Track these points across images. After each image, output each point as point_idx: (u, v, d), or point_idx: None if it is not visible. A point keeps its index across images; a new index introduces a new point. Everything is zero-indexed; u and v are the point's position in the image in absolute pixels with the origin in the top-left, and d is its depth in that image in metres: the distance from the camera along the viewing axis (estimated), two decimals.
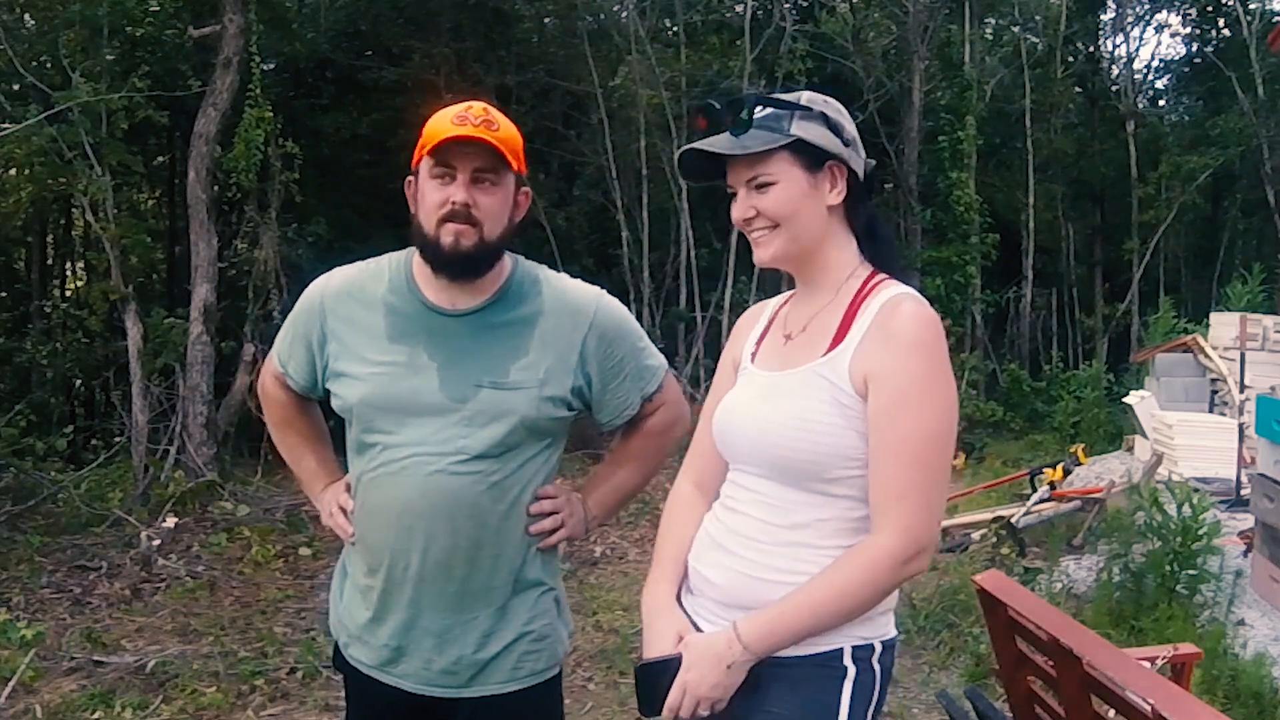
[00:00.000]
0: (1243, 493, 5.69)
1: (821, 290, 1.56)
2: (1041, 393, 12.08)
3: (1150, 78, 18.01)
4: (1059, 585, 4.81)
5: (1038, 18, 15.96)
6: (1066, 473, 6.91)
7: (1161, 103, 18.48)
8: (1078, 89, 16.56)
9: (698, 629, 1.55)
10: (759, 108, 1.51)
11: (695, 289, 11.78)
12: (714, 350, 11.37)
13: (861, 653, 1.48)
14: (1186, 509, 4.28)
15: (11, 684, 3.70)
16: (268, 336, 7.95)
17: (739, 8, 12.79)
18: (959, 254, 12.42)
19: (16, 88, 7.62)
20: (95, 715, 3.61)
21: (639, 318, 1.94)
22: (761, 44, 11.80)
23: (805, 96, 1.54)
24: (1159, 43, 30.64)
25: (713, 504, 1.64)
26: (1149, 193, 14.50)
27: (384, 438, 1.69)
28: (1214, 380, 7.74)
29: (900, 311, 1.45)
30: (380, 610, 1.73)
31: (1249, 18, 14.13)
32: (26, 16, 8.14)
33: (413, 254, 1.75)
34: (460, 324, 1.71)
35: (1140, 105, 16.31)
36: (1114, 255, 15.46)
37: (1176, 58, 18.08)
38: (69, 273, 12.52)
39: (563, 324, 1.73)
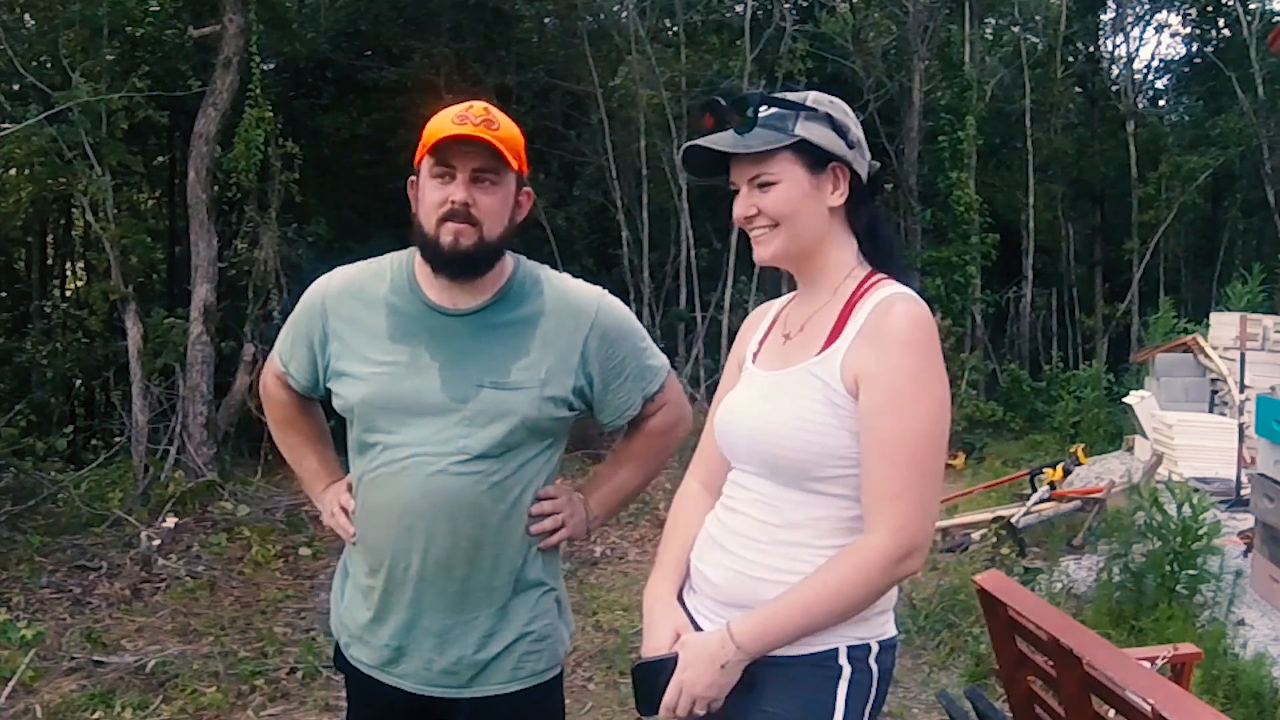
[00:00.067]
0: (1243, 493, 5.69)
1: (820, 290, 1.57)
2: (1041, 393, 12.09)
3: (1150, 78, 18.06)
4: (1059, 585, 4.81)
5: (1038, 18, 15.96)
6: (1066, 473, 6.92)
7: (1161, 103, 18.51)
8: (1078, 89, 16.56)
9: (698, 627, 1.56)
10: (764, 107, 1.51)
11: (695, 289, 11.79)
12: (714, 350, 11.37)
13: (857, 652, 1.48)
14: (1186, 509, 4.28)
15: (11, 684, 3.70)
16: (268, 336, 7.97)
17: (739, 8, 12.79)
18: (959, 254, 12.43)
19: (16, 88, 7.62)
20: (95, 715, 3.61)
21: (639, 318, 1.93)
22: (761, 44, 11.80)
23: (811, 97, 1.54)
24: (1159, 43, 30.73)
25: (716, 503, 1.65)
26: (1149, 193, 14.51)
27: (385, 437, 1.69)
28: (1214, 380, 7.74)
29: (892, 311, 1.45)
30: (381, 610, 1.73)
31: (1249, 18, 14.14)
32: (26, 16, 8.14)
33: (414, 254, 1.75)
34: (462, 324, 1.71)
35: (1140, 105, 16.31)
36: (1114, 255, 15.47)
37: (1176, 58, 18.12)
38: (69, 273, 12.52)
39: (564, 324, 1.73)
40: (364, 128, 11.02)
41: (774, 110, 1.51)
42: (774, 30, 11.84)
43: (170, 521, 6.00)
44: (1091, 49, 16.77)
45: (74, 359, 8.95)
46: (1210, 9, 15.74)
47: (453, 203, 1.64)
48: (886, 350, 1.42)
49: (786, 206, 1.51)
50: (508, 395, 1.67)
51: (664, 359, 1.87)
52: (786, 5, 12.25)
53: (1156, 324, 9.68)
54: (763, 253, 1.55)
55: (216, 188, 8.03)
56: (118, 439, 7.62)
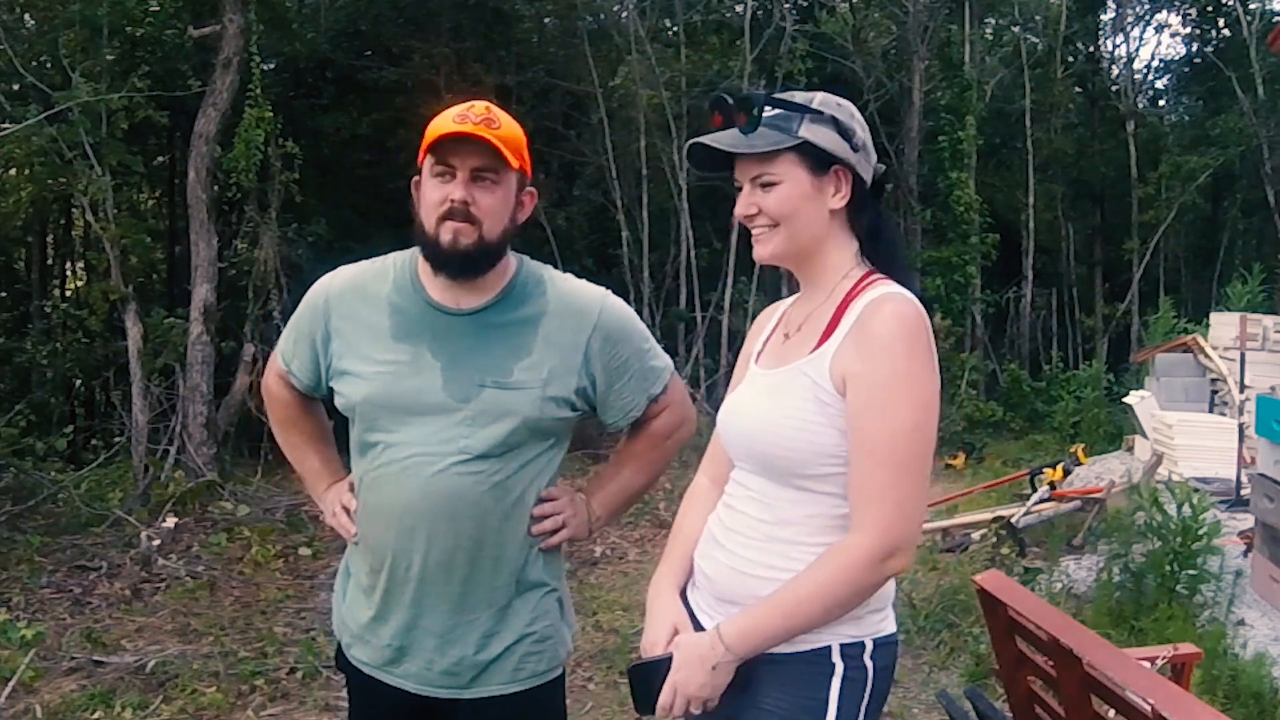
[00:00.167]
0: (1243, 493, 5.69)
1: (818, 290, 1.58)
2: (1041, 393, 12.09)
3: (1150, 78, 18.06)
4: (1059, 585, 4.81)
5: (1038, 18, 15.96)
6: (1066, 473, 6.92)
7: (1161, 103, 18.51)
8: (1078, 89, 16.57)
9: (698, 623, 1.57)
10: (768, 108, 1.51)
11: (695, 289, 11.78)
12: (714, 350, 11.37)
13: (851, 650, 1.49)
14: (1186, 509, 4.28)
15: (11, 684, 3.70)
16: (268, 336, 7.97)
17: (739, 8, 12.79)
18: (959, 254, 12.43)
19: (16, 88, 7.62)
20: (95, 715, 3.61)
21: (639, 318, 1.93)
22: (761, 44, 11.80)
23: (818, 99, 1.54)
24: (1159, 43, 30.72)
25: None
26: (1149, 193, 14.51)
27: (386, 437, 1.69)
28: (1214, 380, 7.74)
29: (880, 311, 1.45)
30: (382, 610, 1.73)
31: (1249, 18, 14.14)
32: (26, 16, 8.15)
33: (417, 253, 1.75)
34: (464, 323, 1.71)
35: (1140, 105, 16.32)
36: (1114, 255, 15.47)
37: (1176, 58, 18.12)
38: (69, 273, 12.52)
39: (567, 324, 1.73)
40: (364, 128, 11.02)
41: (778, 111, 1.52)
42: (774, 30, 11.83)
43: (170, 521, 6.01)
44: (1091, 49, 16.77)
45: (74, 359, 8.95)
46: (1210, 9, 15.75)
47: (452, 201, 1.64)
48: (872, 350, 1.43)
49: (787, 207, 1.52)
50: (509, 395, 1.67)
51: (667, 360, 1.87)
52: (786, 5, 12.25)
53: (1156, 324, 9.68)
54: (762, 251, 1.56)
55: (216, 188, 8.04)
56: (118, 439, 7.62)
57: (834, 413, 1.46)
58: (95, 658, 4.10)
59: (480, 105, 1.67)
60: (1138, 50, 20.89)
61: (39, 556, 5.43)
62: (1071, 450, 7.90)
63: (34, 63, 7.74)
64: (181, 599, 4.99)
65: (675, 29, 12.62)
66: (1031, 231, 14.56)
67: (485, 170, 1.65)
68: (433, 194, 1.66)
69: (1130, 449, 7.78)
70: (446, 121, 1.64)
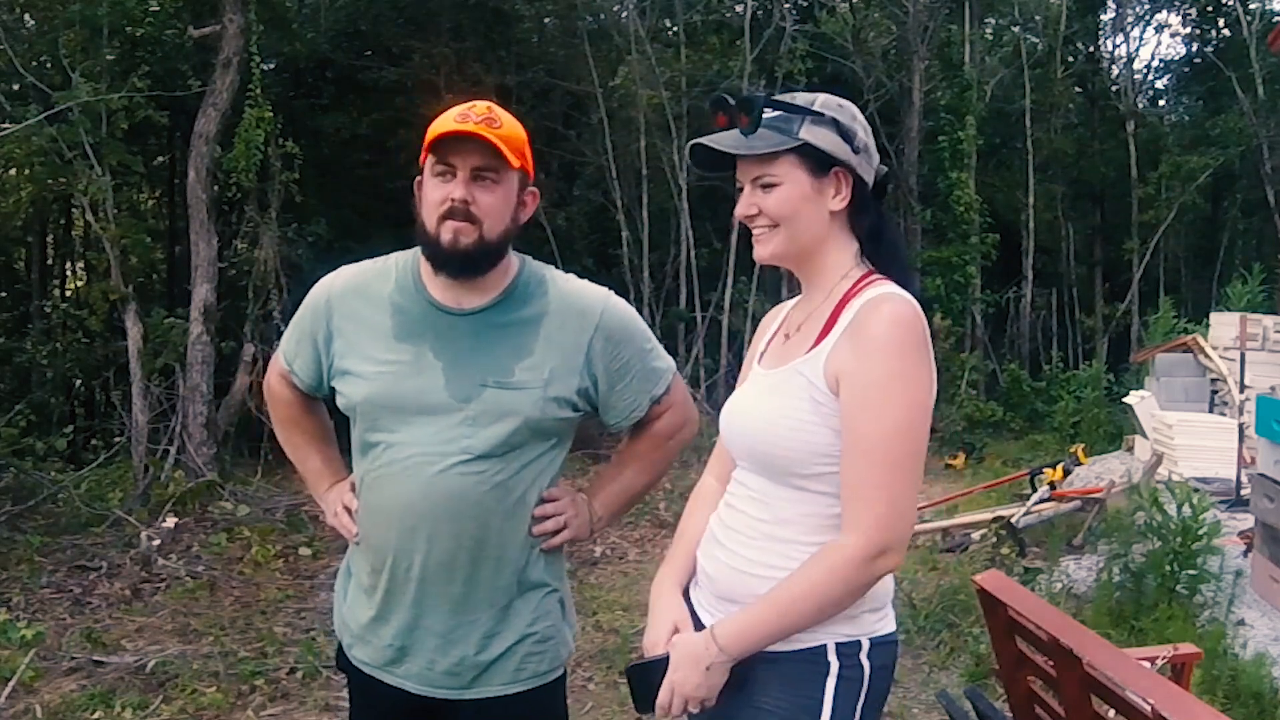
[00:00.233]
0: (1243, 493, 5.69)
1: (818, 291, 1.58)
2: (1041, 393, 12.08)
3: (1150, 78, 18.05)
4: (1059, 585, 4.81)
5: (1038, 18, 15.96)
6: (1066, 473, 6.92)
7: (1161, 103, 18.51)
8: (1078, 89, 16.56)
9: (700, 620, 1.59)
10: (769, 109, 1.52)
11: (695, 289, 11.78)
12: (714, 350, 11.37)
13: (846, 649, 1.49)
14: (1186, 509, 4.28)
15: (11, 684, 3.70)
16: (268, 336, 7.97)
17: (739, 8, 12.79)
18: (959, 254, 12.43)
19: (16, 88, 7.62)
20: (95, 715, 3.61)
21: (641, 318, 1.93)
22: (761, 44, 11.80)
23: (820, 100, 1.54)
24: (1159, 43, 30.72)
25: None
26: (1149, 193, 14.51)
27: (387, 436, 1.69)
28: (1214, 380, 7.74)
29: (875, 311, 1.46)
30: (383, 610, 1.73)
31: (1249, 18, 14.14)
32: (26, 16, 8.15)
33: (420, 253, 1.75)
34: (466, 323, 1.71)
35: (1140, 105, 16.31)
36: (1114, 255, 15.46)
37: (1176, 58, 18.12)
38: (69, 273, 12.52)
39: (569, 324, 1.73)
40: (364, 128, 11.02)
41: (779, 113, 1.52)
42: (774, 30, 11.83)
43: (170, 521, 6.01)
44: (1091, 49, 16.77)
45: (74, 359, 8.95)
46: (1210, 9, 15.75)
47: (452, 200, 1.64)
48: (865, 349, 1.44)
49: (786, 208, 1.52)
50: (511, 395, 1.67)
51: (670, 361, 1.86)
52: (786, 5, 12.25)
53: (1156, 324, 9.68)
54: (762, 251, 1.57)
55: (216, 188, 8.04)
56: (118, 439, 7.62)
57: (828, 412, 1.47)
58: (95, 658, 4.10)
59: (482, 105, 1.67)
60: (1138, 50, 20.92)
61: (39, 556, 5.43)
62: (1071, 450, 7.90)
63: (34, 63, 7.74)
64: (181, 599, 4.99)
65: (675, 29, 12.62)
66: (1031, 231, 14.56)
67: (486, 170, 1.65)
68: (433, 193, 1.66)
69: (1130, 449, 7.78)
70: (448, 121, 1.64)
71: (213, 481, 6.87)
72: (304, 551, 5.82)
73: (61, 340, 9.12)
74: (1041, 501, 6.30)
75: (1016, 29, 15.78)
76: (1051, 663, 2.07)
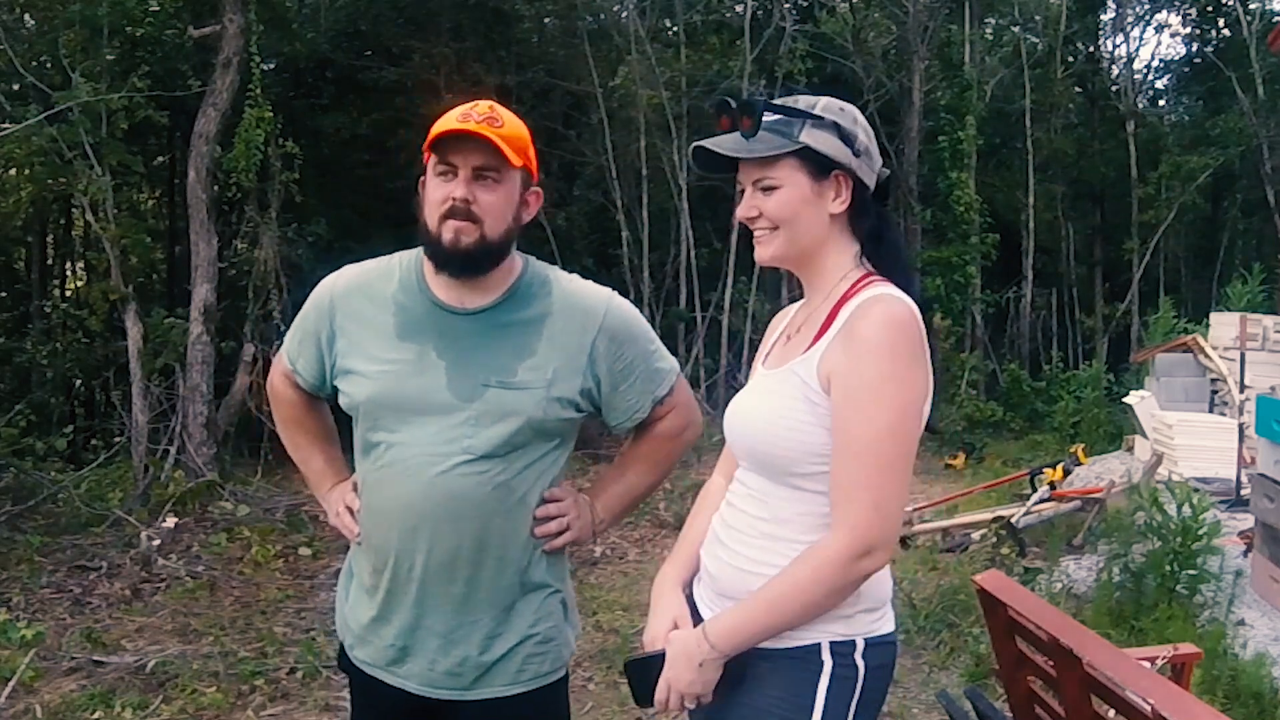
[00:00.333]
0: (1243, 493, 5.69)
1: (818, 293, 1.60)
2: (1041, 393, 12.09)
3: (1150, 78, 18.06)
4: (1059, 585, 4.81)
5: (1038, 18, 15.96)
6: (1066, 473, 6.92)
7: (1161, 103, 18.51)
8: (1078, 89, 16.57)
9: (700, 617, 1.60)
10: (770, 113, 1.53)
11: (695, 289, 11.79)
12: (714, 350, 11.37)
13: (841, 648, 1.50)
14: (1186, 509, 4.28)
15: (11, 684, 3.70)
16: (268, 336, 7.98)
17: (739, 8, 12.79)
18: (959, 254, 12.43)
19: (16, 88, 7.63)
20: (95, 715, 3.61)
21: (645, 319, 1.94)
22: (761, 44, 11.80)
23: (821, 104, 1.55)
24: (1159, 43, 30.72)
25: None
26: (1149, 193, 14.51)
27: (389, 436, 1.69)
28: (1214, 380, 7.74)
29: (868, 312, 1.46)
30: (385, 610, 1.73)
31: (1249, 18, 14.14)
32: (26, 16, 8.15)
33: (423, 252, 1.74)
34: (469, 323, 1.71)
35: (1140, 105, 16.32)
36: (1114, 255, 15.47)
37: (1176, 58, 18.12)
38: (69, 273, 12.52)
39: (572, 324, 1.72)
40: (364, 128, 11.02)
41: (780, 116, 1.53)
42: (774, 30, 11.84)
43: (170, 521, 6.01)
44: (1091, 49, 16.77)
45: (74, 359, 8.95)
46: (1210, 9, 15.75)
47: (453, 200, 1.63)
48: (855, 350, 1.45)
49: (787, 210, 1.53)
50: (513, 395, 1.66)
51: (673, 362, 1.85)
52: (786, 5, 12.25)
53: (1156, 324, 9.68)
54: (762, 253, 1.58)
55: (216, 188, 8.03)
56: (118, 439, 7.62)
57: (822, 412, 1.48)
58: (95, 658, 4.10)
59: (484, 104, 1.67)
60: (1138, 50, 20.93)
61: (39, 556, 5.43)
62: (1071, 450, 7.90)
63: (34, 63, 7.74)
64: (181, 599, 4.99)
65: (675, 29, 12.63)
66: (1031, 231, 14.57)
67: (487, 169, 1.64)
68: (435, 193, 1.66)
69: (1130, 449, 7.78)
70: (449, 120, 1.64)
71: (213, 481, 6.87)
72: (304, 551, 5.82)
73: (61, 340, 9.12)
74: (1041, 501, 6.30)
75: (1016, 29, 15.79)
76: (1051, 663, 2.07)
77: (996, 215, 13.90)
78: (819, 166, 1.52)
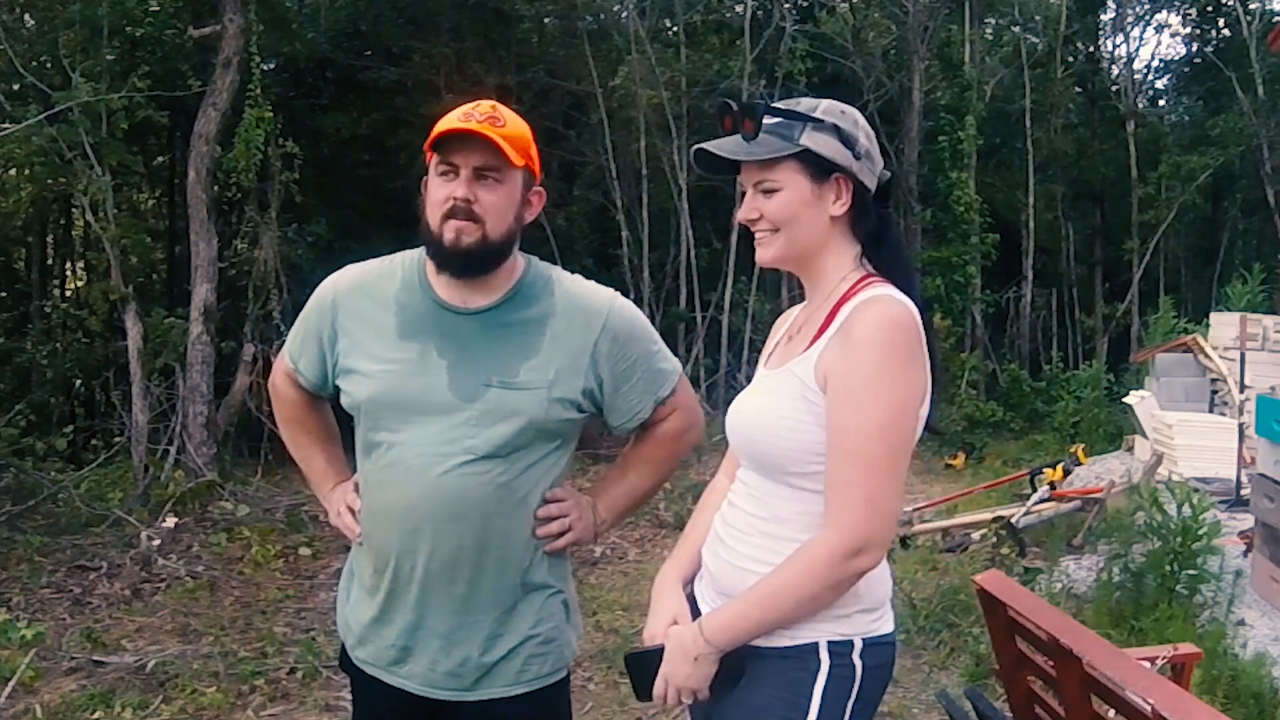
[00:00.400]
0: (1243, 493, 5.69)
1: (818, 294, 1.61)
2: (1041, 393, 12.09)
3: (1150, 78, 18.06)
4: (1059, 585, 4.81)
5: (1038, 18, 15.96)
6: (1066, 473, 6.92)
7: (1161, 103, 18.52)
8: (1078, 89, 16.56)
9: (700, 614, 1.61)
10: (771, 116, 1.55)
11: (695, 289, 11.79)
12: (714, 350, 11.37)
13: (838, 648, 1.51)
14: (1186, 509, 4.28)
15: (11, 684, 3.70)
16: (268, 336, 7.97)
17: (739, 8, 12.80)
18: (959, 254, 12.44)
19: (16, 88, 7.63)
20: (95, 715, 3.61)
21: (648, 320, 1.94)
22: (761, 44, 11.80)
23: (822, 107, 1.56)
24: (1159, 43, 30.69)
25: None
26: (1149, 193, 14.51)
27: (391, 436, 1.69)
28: (1214, 380, 7.74)
29: (866, 312, 1.47)
30: (386, 610, 1.73)
31: (1249, 18, 14.14)
32: (26, 16, 8.15)
33: (426, 252, 1.74)
34: (472, 322, 1.70)
35: (1140, 105, 16.32)
36: (1114, 255, 15.47)
37: (1176, 58, 18.12)
38: (69, 273, 12.53)
39: (575, 325, 1.72)
40: (364, 128, 11.02)
41: (781, 119, 1.54)
42: (774, 30, 11.84)
43: (170, 521, 6.01)
44: (1091, 49, 16.77)
45: (74, 359, 8.95)
46: (1210, 9, 15.74)
47: (454, 199, 1.63)
48: (850, 349, 1.46)
49: (787, 213, 1.55)
50: (515, 395, 1.66)
51: (676, 364, 1.85)
52: (786, 5, 12.25)
53: (1156, 324, 9.68)
54: (763, 255, 1.60)
55: (216, 188, 8.04)
56: (118, 439, 7.62)
57: (820, 411, 1.49)
58: (95, 658, 4.10)
59: (486, 104, 1.67)
60: (1138, 50, 20.95)
61: (39, 556, 5.43)
62: (1071, 450, 7.90)
63: (34, 63, 7.75)
64: (181, 599, 4.99)
65: (675, 29, 12.63)
66: (1031, 231, 14.57)
67: (489, 169, 1.64)
68: (437, 192, 1.66)
69: (1130, 449, 7.78)
70: (451, 119, 1.64)
71: (213, 481, 6.87)
72: (304, 551, 5.82)
73: (61, 340, 9.13)
74: (1041, 501, 6.30)
75: (1016, 29, 15.79)
76: (1051, 663, 2.07)
77: (996, 215, 13.90)
78: (819, 169, 1.53)
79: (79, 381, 9.29)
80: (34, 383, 8.96)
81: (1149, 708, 1.74)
